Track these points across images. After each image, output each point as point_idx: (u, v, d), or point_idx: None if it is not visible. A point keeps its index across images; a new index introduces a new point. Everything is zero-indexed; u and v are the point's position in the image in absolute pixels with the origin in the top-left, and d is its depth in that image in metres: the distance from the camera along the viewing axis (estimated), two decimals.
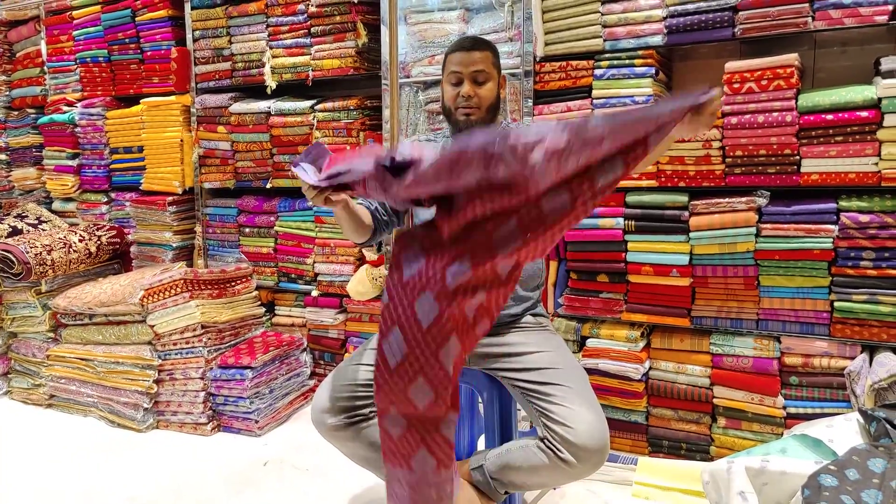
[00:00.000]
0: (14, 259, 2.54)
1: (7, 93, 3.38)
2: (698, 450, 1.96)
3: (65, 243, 2.68)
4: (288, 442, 2.28)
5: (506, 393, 1.55)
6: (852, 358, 1.73)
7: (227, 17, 2.67)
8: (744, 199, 1.82)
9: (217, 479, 2.03)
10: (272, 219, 2.69)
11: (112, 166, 3.03)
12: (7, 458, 2.19)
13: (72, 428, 2.46)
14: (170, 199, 2.86)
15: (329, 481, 1.97)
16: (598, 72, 2.00)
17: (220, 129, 2.73)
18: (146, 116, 2.87)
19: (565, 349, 1.60)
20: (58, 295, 2.61)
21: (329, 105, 2.51)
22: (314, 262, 2.61)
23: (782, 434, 1.80)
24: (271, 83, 2.59)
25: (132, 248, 2.99)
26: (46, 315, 2.65)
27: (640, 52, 1.94)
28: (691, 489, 1.69)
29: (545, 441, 1.33)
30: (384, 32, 2.35)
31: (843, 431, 1.25)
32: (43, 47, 3.21)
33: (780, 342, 1.84)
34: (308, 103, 2.54)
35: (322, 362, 2.67)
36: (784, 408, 1.82)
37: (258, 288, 2.70)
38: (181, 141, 2.81)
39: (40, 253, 2.58)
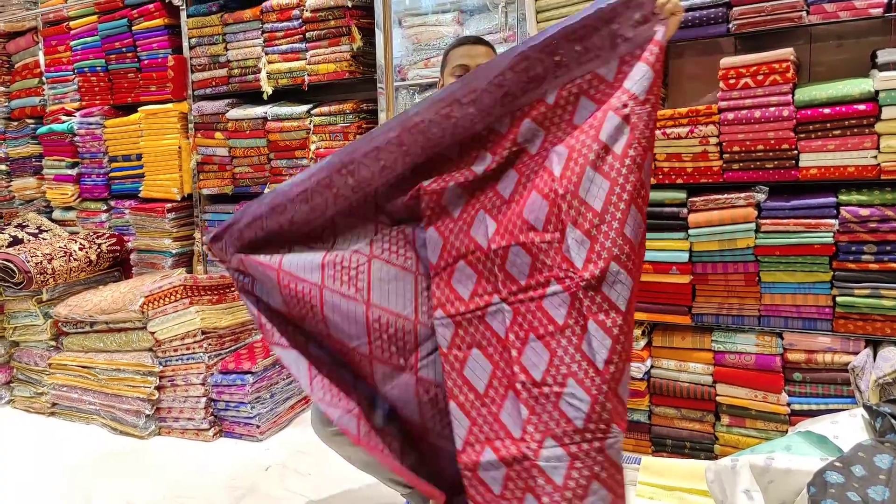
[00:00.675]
0: (15, 268, 2.54)
1: (6, 104, 3.40)
2: (702, 448, 1.94)
3: (65, 252, 2.68)
4: (289, 446, 2.27)
5: None
6: (856, 353, 1.72)
7: (223, 25, 2.67)
8: (742, 194, 1.81)
9: (219, 484, 2.02)
10: None
11: (111, 174, 3.04)
12: (10, 467, 2.19)
13: (74, 436, 2.45)
14: (169, 205, 2.86)
15: (331, 486, 1.97)
16: None
17: (218, 135, 2.74)
18: (144, 124, 2.88)
19: None
20: (59, 303, 2.61)
21: (325, 109, 2.51)
22: None
23: (786, 431, 1.79)
24: (267, 89, 2.59)
25: (132, 256, 2.99)
26: (48, 324, 2.66)
27: None
28: (696, 488, 1.67)
29: None
30: (379, 36, 2.35)
31: (848, 428, 1.24)
32: (41, 58, 3.22)
33: (782, 338, 1.82)
34: (304, 108, 2.54)
35: None
36: (788, 404, 1.81)
37: None
38: (179, 148, 2.82)
39: (41, 262, 2.58)
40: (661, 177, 1.94)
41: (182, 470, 2.13)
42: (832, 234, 1.72)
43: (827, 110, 1.70)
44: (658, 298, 1.97)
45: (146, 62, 2.89)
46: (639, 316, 2.00)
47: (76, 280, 2.76)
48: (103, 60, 3.01)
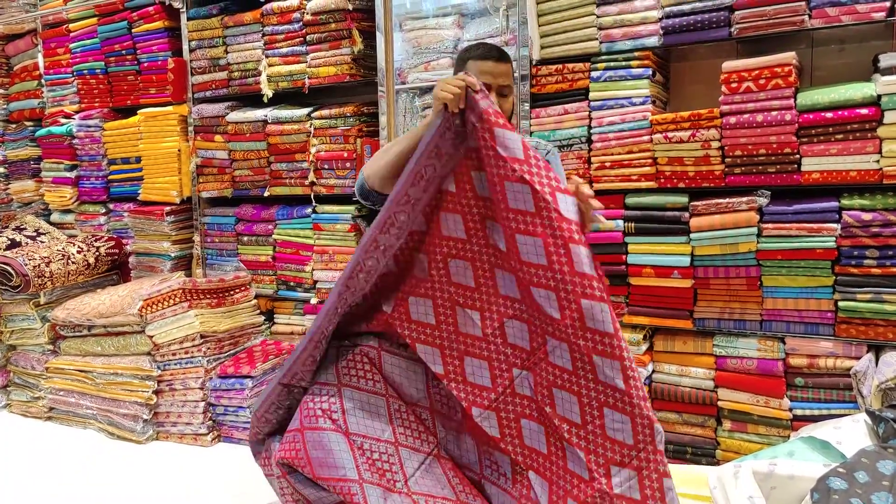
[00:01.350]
0: (13, 271, 2.53)
1: (5, 106, 3.39)
2: (704, 454, 1.93)
3: (63, 255, 2.67)
4: None
5: None
6: (858, 358, 1.71)
7: (223, 27, 2.67)
8: (744, 198, 1.80)
9: (218, 489, 2.00)
10: (270, 227, 2.68)
11: (110, 177, 3.03)
12: (7, 472, 2.17)
13: (71, 440, 2.44)
14: (168, 208, 2.85)
15: None
16: (594, 74, 1.99)
17: (218, 138, 2.73)
18: (143, 127, 2.87)
19: None
20: (56, 307, 2.59)
21: (326, 112, 2.50)
22: (313, 270, 2.60)
23: (789, 436, 1.78)
24: (268, 92, 2.59)
25: (131, 259, 2.98)
26: (45, 327, 2.64)
27: (636, 54, 1.94)
28: (698, 494, 1.66)
29: None
30: (379, 39, 2.34)
31: (850, 433, 1.23)
32: (40, 60, 3.21)
33: (784, 343, 1.82)
34: (305, 111, 2.54)
35: None
36: (790, 409, 1.80)
37: (257, 296, 2.69)
38: (178, 151, 2.81)
39: (39, 265, 2.57)
40: (662, 181, 1.94)
41: (180, 475, 2.12)
42: (834, 238, 1.72)
43: (829, 114, 1.70)
44: (660, 303, 1.96)
45: (146, 65, 2.88)
46: (640, 320, 1.99)
47: (74, 283, 2.74)
48: (103, 63, 3.00)
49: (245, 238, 2.75)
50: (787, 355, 1.81)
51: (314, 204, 2.54)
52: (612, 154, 1.99)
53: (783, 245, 1.78)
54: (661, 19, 1.91)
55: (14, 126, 3.36)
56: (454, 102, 1.15)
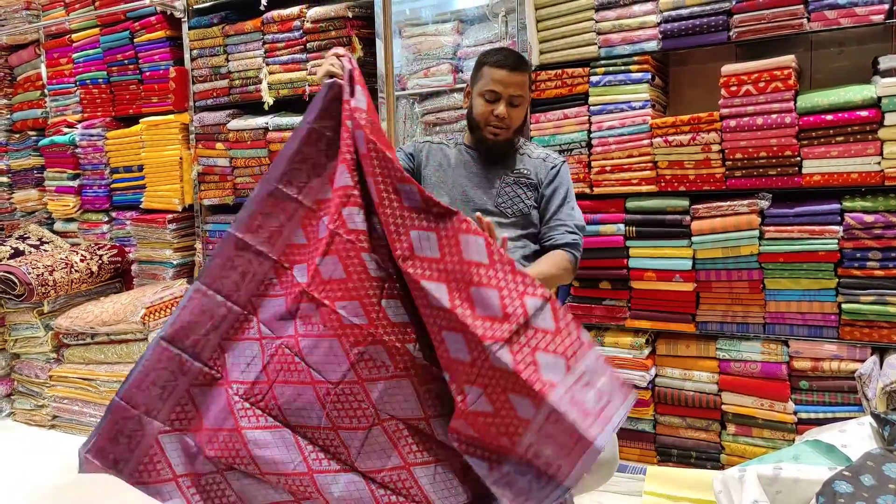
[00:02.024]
0: (16, 280, 2.54)
1: (8, 116, 3.41)
2: (708, 458, 1.92)
3: (66, 263, 2.68)
4: None
5: None
6: (862, 360, 1.70)
7: (224, 36, 2.69)
8: (746, 201, 1.80)
9: None
10: None
11: (112, 186, 3.04)
12: (10, 480, 2.17)
13: (75, 449, 2.43)
14: (170, 216, 2.86)
15: None
16: (594, 78, 2.00)
17: (219, 145, 2.74)
18: (146, 135, 2.88)
19: None
20: (60, 315, 2.60)
21: None
22: None
23: (794, 440, 1.77)
24: (268, 99, 2.60)
25: (133, 267, 2.98)
26: (49, 335, 2.65)
27: (635, 58, 1.94)
28: (703, 498, 1.65)
29: None
30: (379, 46, 2.35)
31: (856, 436, 1.22)
32: (43, 70, 3.23)
33: (788, 346, 1.81)
34: None
35: None
36: (795, 413, 1.79)
37: None
38: (180, 159, 2.82)
39: (42, 274, 2.58)
40: (663, 184, 1.94)
41: None
42: (837, 240, 1.72)
43: (829, 117, 1.70)
44: (662, 306, 1.96)
45: (148, 74, 2.90)
46: (642, 324, 1.99)
47: (77, 291, 2.75)
48: (105, 72, 3.02)
49: None
50: (791, 358, 1.80)
51: None
52: (613, 158, 1.99)
53: (785, 248, 1.78)
54: (659, 24, 1.91)
55: (18, 136, 3.38)
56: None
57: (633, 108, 1.95)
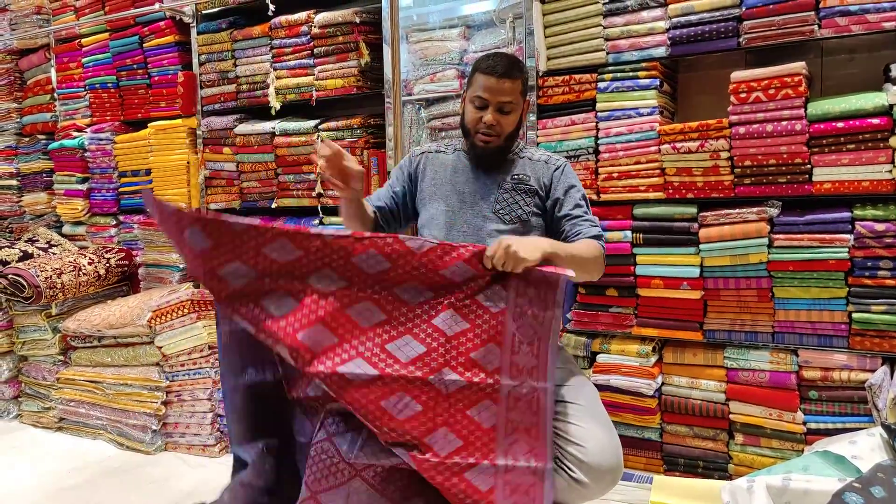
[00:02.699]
0: (25, 283, 2.55)
1: (18, 119, 3.44)
2: (716, 468, 1.90)
3: (74, 266, 2.69)
4: None
5: None
6: (873, 370, 1.68)
7: (232, 41, 2.70)
8: (755, 209, 1.79)
9: None
10: None
11: (120, 189, 3.06)
12: (18, 482, 2.18)
13: (81, 451, 2.45)
14: None
15: None
16: (601, 85, 1.99)
17: (226, 150, 2.75)
18: (153, 140, 2.90)
19: (574, 365, 1.57)
20: (67, 318, 2.61)
21: (333, 124, 2.52)
22: None
23: (803, 451, 1.75)
24: (275, 104, 2.61)
25: (140, 270, 3.00)
26: (56, 338, 2.66)
27: (643, 65, 1.93)
28: None
29: (557, 461, 1.30)
30: (386, 51, 2.36)
31: (866, 447, 1.21)
32: (53, 74, 3.26)
33: (797, 355, 1.79)
34: (312, 123, 2.55)
35: None
36: (804, 423, 1.77)
37: None
38: (188, 163, 2.84)
39: (50, 276, 2.59)
40: (671, 191, 1.93)
41: (188, 486, 2.12)
42: (847, 249, 1.70)
43: (840, 124, 1.68)
44: (669, 314, 1.94)
45: (156, 78, 2.92)
46: (649, 332, 1.97)
47: (85, 294, 2.76)
48: (114, 77, 3.04)
49: None
50: (801, 368, 1.78)
51: (321, 215, 2.55)
52: (620, 165, 1.98)
53: (795, 256, 1.76)
54: (668, 30, 1.91)
55: (27, 139, 3.40)
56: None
57: (641, 115, 1.94)
